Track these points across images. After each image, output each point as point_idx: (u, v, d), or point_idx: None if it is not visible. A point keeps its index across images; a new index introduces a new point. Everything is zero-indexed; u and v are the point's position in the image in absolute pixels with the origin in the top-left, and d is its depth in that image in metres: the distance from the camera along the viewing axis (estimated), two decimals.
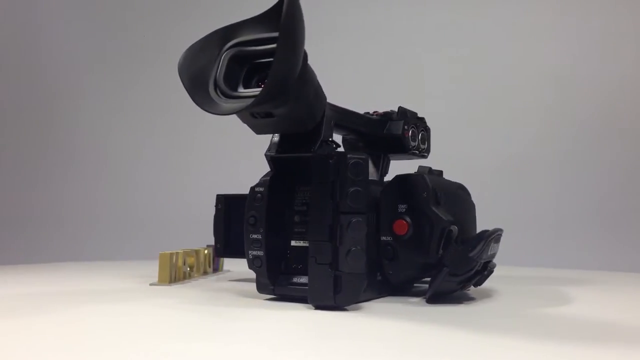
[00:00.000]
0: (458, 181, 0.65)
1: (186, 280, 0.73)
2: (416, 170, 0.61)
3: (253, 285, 0.59)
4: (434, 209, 0.57)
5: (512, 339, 0.43)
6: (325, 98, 0.57)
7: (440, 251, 0.57)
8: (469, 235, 0.61)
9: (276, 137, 0.58)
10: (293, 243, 0.58)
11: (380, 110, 0.69)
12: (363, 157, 0.54)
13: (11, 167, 1.42)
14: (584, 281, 0.80)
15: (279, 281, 0.58)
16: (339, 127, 0.61)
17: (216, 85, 0.53)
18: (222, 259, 0.84)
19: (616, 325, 0.51)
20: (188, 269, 0.75)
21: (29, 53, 1.45)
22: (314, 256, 0.53)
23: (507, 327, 0.48)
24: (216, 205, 0.75)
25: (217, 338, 0.43)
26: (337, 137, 0.66)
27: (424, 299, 0.58)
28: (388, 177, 0.66)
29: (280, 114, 0.53)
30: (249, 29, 0.53)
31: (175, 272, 0.72)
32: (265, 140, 0.59)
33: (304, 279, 0.56)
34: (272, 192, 0.58)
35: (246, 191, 0.59)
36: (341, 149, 0.61)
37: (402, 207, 0.59)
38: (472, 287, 0.60)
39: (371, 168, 0.69)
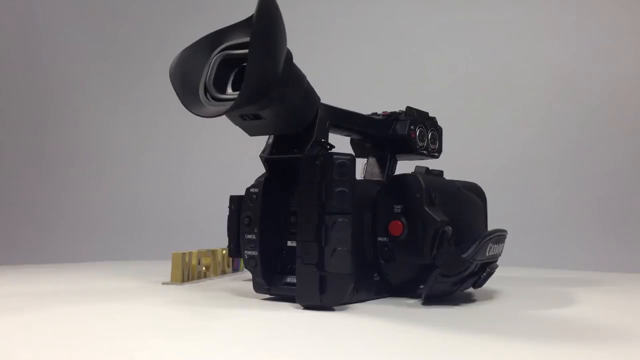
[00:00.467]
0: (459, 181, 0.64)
1: (200, 280, 0.75)
2: (413, 171, 0.60)
3: None
4: (427, 209, 0.57)
5: (510, 341, 0.43)
6: (318, 99, 0.57)
7: (434, 252, 0.56)
8: (470, 235, 0.60)
9: (271, 139, 0.59)
10: (289, 243, 0.58)
11: (389, 111, 0.68)
12: (349, 157, 0.53)
13: (11, 167, 1.43)
14: (584, 281, 0.79)
15: (275, 281, 0.58)
16: (338, 128, 0.61)
17: (206, 89, 0.54)
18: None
19: (617, 326, 0.50)
20: (204, 268, 0.77)
21: (29, 53, 1.45)
22: (301, 256, 0.53)
23: (504, 329, 0.48)
24: (229, 206, 0.76)
25: (186, 337, 0.43)
26: (342, 139, 0.66)
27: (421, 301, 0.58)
28: None
29: (268, 116, 0.54)
30: (238, 32, 0.54)
31: (189, 272, 0.73)
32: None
33: None
34: (266, 193, 0.58)
35: None
36: (342, 150, 0.61)
37: (397, 208, 0.58)
38: (471, 288, 0.59)
39: (375, 169, 0.69)
